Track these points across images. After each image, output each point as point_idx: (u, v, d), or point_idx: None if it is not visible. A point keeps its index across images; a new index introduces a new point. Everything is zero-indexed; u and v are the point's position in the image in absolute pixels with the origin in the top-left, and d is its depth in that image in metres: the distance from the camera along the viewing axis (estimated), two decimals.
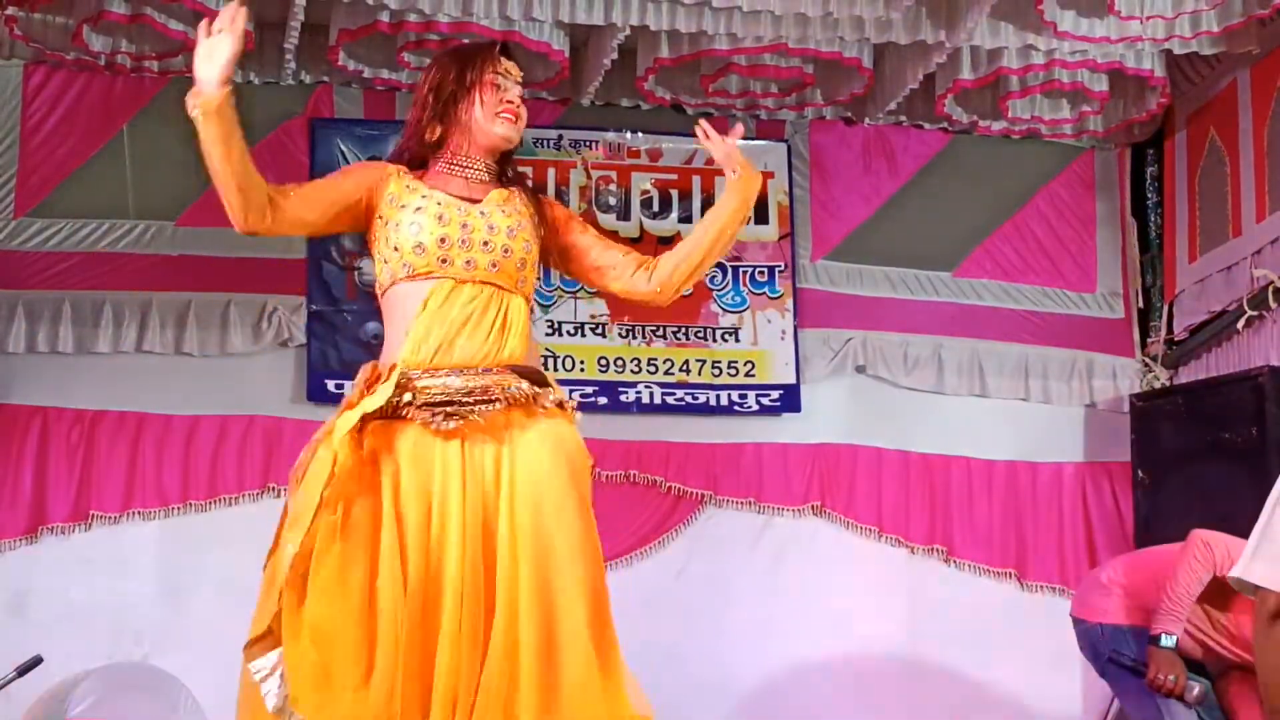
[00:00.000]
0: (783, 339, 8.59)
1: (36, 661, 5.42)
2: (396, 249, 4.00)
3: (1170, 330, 8.86)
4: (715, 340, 8.55)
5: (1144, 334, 8.99)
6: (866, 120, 8.90)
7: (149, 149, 8.21)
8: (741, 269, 8.62)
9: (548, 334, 8.32)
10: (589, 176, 8.62)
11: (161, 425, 8.00)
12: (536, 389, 3.97)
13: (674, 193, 8.67)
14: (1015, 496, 8.62)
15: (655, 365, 8.40)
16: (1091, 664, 6.33)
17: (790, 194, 8.77)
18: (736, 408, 8.47)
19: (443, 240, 3.95)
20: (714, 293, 8.58)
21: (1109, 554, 8.17)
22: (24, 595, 7.72)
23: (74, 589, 7.75)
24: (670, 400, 8.40)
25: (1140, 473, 8.27)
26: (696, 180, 8.70)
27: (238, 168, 3.84)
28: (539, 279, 4.35)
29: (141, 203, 8.18)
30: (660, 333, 8.48)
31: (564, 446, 3.96)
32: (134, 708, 7.15)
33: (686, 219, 8.61)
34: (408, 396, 3.87)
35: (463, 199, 4.08)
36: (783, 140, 8.85)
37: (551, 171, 8.57)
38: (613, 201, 8.61)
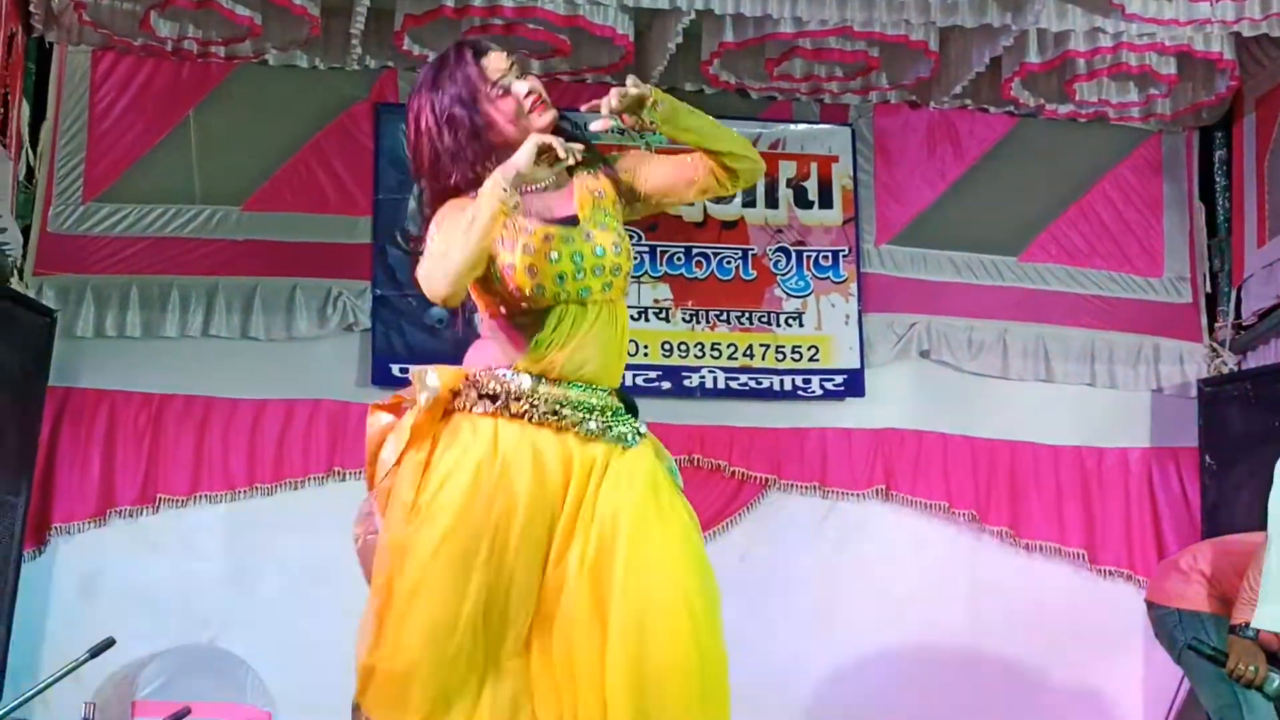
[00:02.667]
0: (847, 323, 8.56)
1: (109, 643, 5.46)
2: (501, 280, 3.82)
3: (1238, 315, 8.78)
4: (779, 325, 8.53)
5: (1211, 319, 8.91)
6: (932, 104, 8.85)
7: (215, 134, 8.27)
8: (805, 254, 8.60)
9: None
10: None
11: (228, 409, 8.05)
12: (636, 426, 3.83)
13: None
14: (1082, 482, 8.56)
15: (719, 350, 8.39)
16: (1166, 650, 6.28)
17: (855, 178, 8.74)
18: (800, 392, 8.46)
19: (558, 276, 3.75)
20: (778, 277, 8.56)
21: (1177, 540, 8.13)
22: (93, 578, 7.79)
23: (142, 572, 7.82)
24: (734, 385, 8.40)
25: (1208, 458, 8.22)
26: None
27: (483, 255, 3.76)
28: None
29: (208, 188, 8.24)
30: (724, 317, 8.47)
31: (654, 480, 3.78)
32: (201, 690, 7.22)
33: (750, 203, 8.59)
34: (521, 404, 3.78)
35: (559, 221, 3.85)
36: (847, 124, 8.83)
37: (615, 156, 8.55)
38: None
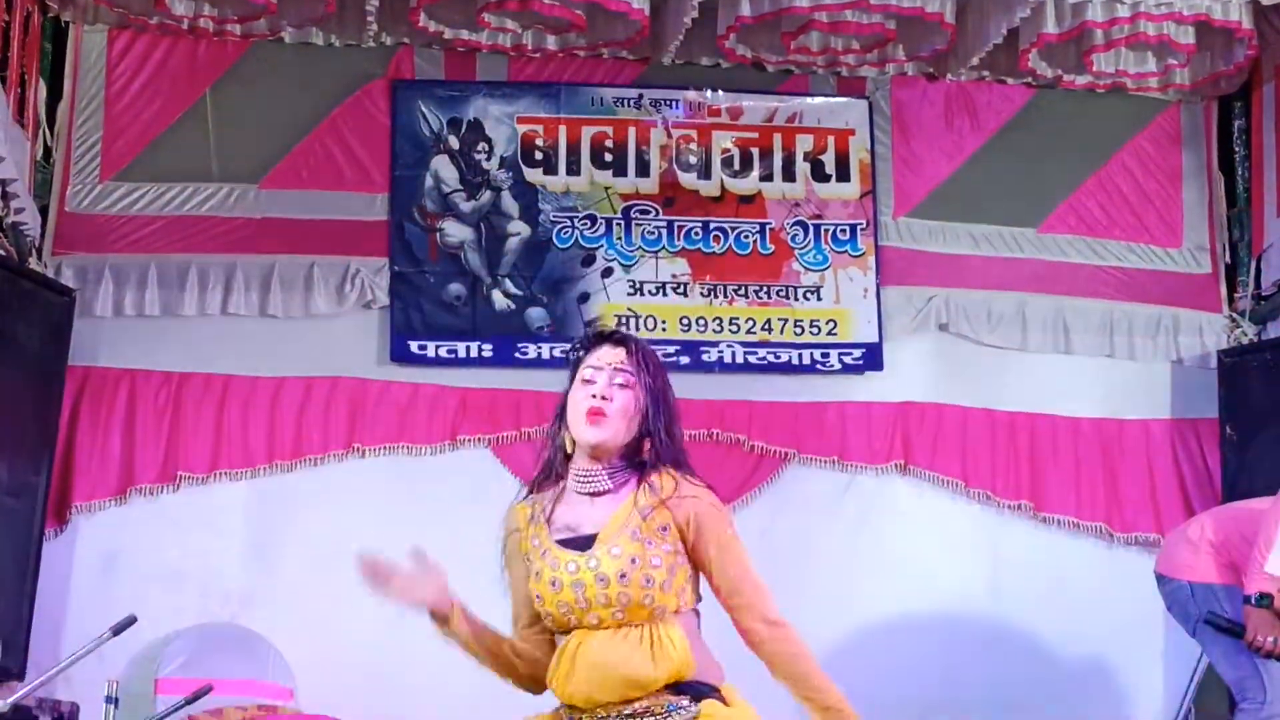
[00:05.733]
0: (865, 297, 8.55)
1: (131, 621, 5.47)
2: (530, 599, 3.81)
3: (1258, 285, 8.76)
4: (797, 299, 8.51)
5: (1231, 289, 8.89)
6: (949, 76, 8.83)
7: (232, 113, 8.29)
8: (823, 227, 8.59)
9: (629, 294, 8.34)
10: (669, 136, 8.61)
11: (247, 387, 8.07)
12: (685, 704, 3.68)
13: (755, 151, 8.64)
14: (1102, 454, 8.53)
15: (737, 324, 8.38)
16: (1180, 624, 6.27)
17: (872, 151, 8.72)
18: (819, 366, 8.45)
19: (561, 605, 3.68)
20: (796, 251, 8.55)
21: (1199, 512, 8.10)
22: (114, 556, 7.82)
23: (163, 550, 7.84)
24: (752, 359, 8.39)
25: (1228, 429, 8.21)
26: (777, 138, 8.66)
27: (494, 663, 3.84)
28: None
29: (225, 166, 8.25)
30: (742, 292, 8.46)
31: None
32: (223, 667, 7.24)
33: (768, 177, 8.59)
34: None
35: (575, 542, 3.75)
36: (864, 97, 8.81)
37: (632, 131, 8.57)
38: (693, 160, 8.59)
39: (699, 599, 3.76)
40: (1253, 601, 5.64)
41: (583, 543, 3.71)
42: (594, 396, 3.74)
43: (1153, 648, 8.19)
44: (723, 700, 3.69)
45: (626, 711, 3.62)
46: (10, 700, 5.46)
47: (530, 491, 3.90)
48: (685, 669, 3.63)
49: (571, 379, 3.82)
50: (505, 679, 3.85)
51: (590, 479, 3.78)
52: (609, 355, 3.81)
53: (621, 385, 3.76)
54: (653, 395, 3.79)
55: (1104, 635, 8.19)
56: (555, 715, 3.76)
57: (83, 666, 5.95)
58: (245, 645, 7.60)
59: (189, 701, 5.64)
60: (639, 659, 3.62)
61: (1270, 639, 5.56)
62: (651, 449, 3.78)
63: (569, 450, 3.81)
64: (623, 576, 3.64)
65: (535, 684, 3.83)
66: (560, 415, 3.83)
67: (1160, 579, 6.28)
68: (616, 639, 3.63)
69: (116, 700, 5.63)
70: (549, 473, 3.86)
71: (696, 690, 3.66)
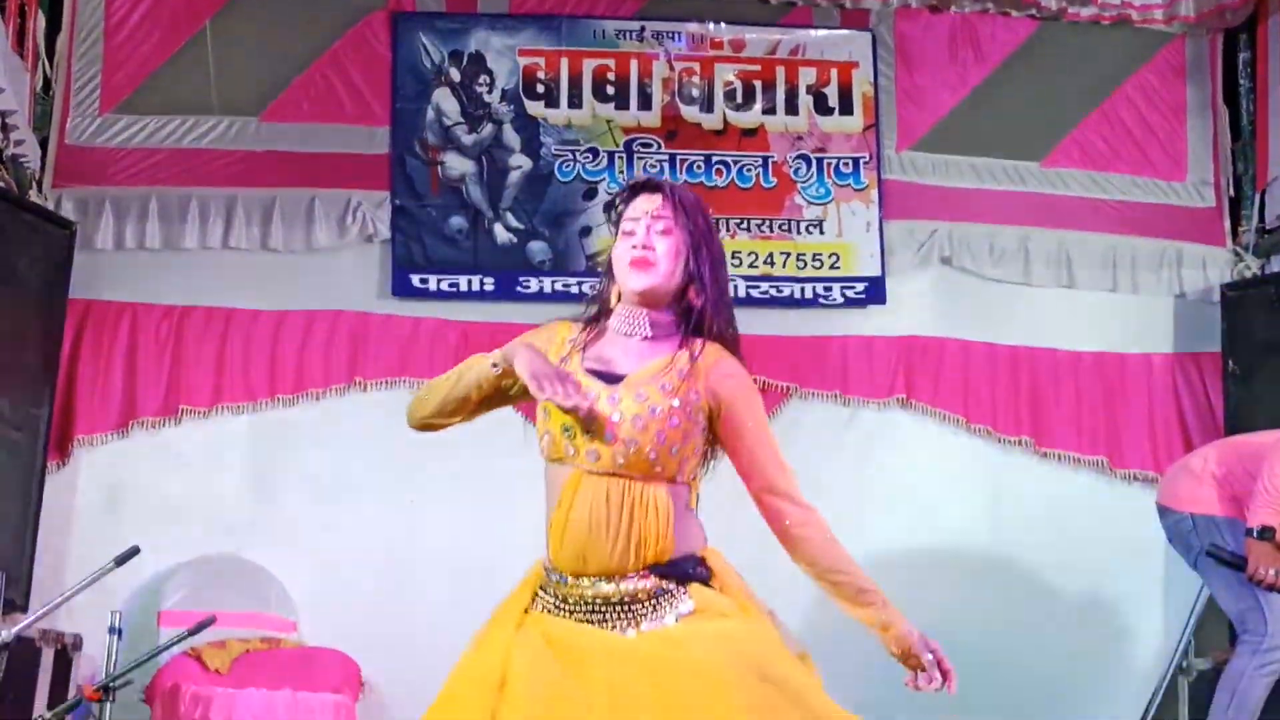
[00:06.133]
0: (867, 231, 8.53)
1: (134, 552, 5.49)
2: (539, 428, 3.71)
3: (1261, 219, 8.73)
4: (800, 233, 8.50)
5: (1235, 223, 8.86)
6: (953, 8, 8.78)
7: (232, 44, 8.25)
8: (826, 160, 8.56)
9: None
10: (672, 69, 8.57)
11: (248, 320, 8.07)
12: (671, 589, 3.62)
13: (757, 84, 8.60)
14: (1104, 388, 8.53)
15: (739, 258, 8.35)
16: (1181, 556, 6.28)
17: (875, 84, 8.68)
18: (821, 300, 8.44)
19: (566, 429, 3.61)
20: (798, 185, 8.53)
21: (1200, 446, 8.10)
22: (117, 489, 7.84)
23: (165, 483, 7.86)
24: (754, 293, 8.37)
25: (1231, 363, 8.20)
26: (780, 71, 8.62)
27: (453, 411, 3.78)
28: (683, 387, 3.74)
29: (225, 98, 8.21)
30: (744, 225, 8.44)
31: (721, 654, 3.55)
32: (226, 600, 7.26)
33: (770, 110, 8.56)
34: (547, 599, 3.66)
35: (605, 375, 3.69)
36: (867, 29, 8.76)
37: (634, 63, 8.53)
38: (696, 93, 8.55)
39: (696, 477, 3.74)
40: (1255, 534, 5.65)
41: (611, 379, 3.67)
42: (635, 247, 3.72)
43: (1153, 580, 8.21)
44: (707, 569, 3.66)
45: (615, 600, 3.58)
46: (14, 631, 5.48)
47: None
48: (663, 550, 3.60)
49: (615, 234, 3.80)
50: (437, 417, 3.80)
51: (633, 320, 3.75)
52: (646, 204, 3.79)
53: (662, 232, 3.74)
54: (693, 239, 3.76)
55: (1104, 568, 8.21)
56: (534, 578, 3.72)
57: (86, 598, 5.97)
58: (248, 578, 7.63)
59: (192, 633, 5.65)
60: (624, 524, 3.59)
61: (1272, 571, 5.57)
62: (698, 295, 3.76)
63: (614, 305, 3.78)
64: (638, 419, 3.60)
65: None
66: (607, 270, 3.81)
67: (1162, 511, 6.29)
68: (611, 495, 3.58)
69: (120, 631, 5.65)
70: (595, 322, 3.82)
71: (680, 571, 3.62)
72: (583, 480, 3.59)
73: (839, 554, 3.84)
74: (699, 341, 3.74)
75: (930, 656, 3.70)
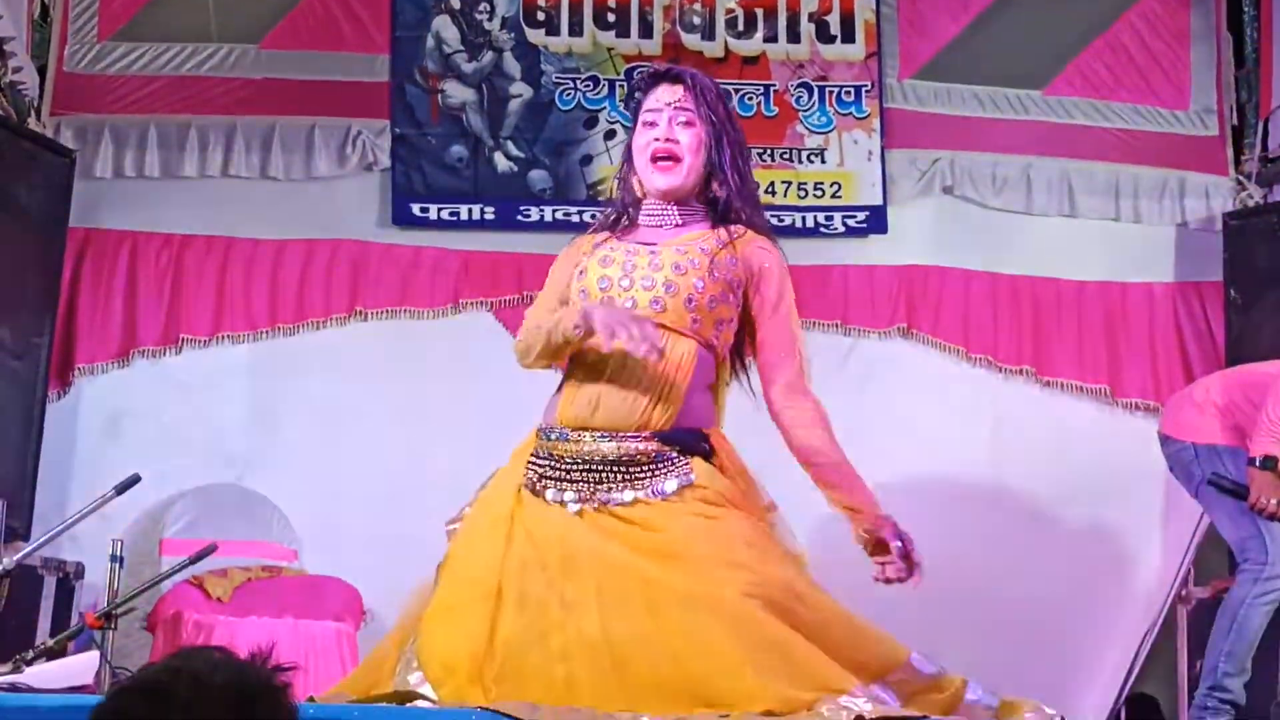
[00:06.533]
0: (869, 160, 8.50)
1: (134, 480, 5.50)
2: (572, 291, 3.73)
3: (1265, 148, 8.70)
4: (801, 161, 8.47)
5: (1238, 151, 8.82)
6: None
7: None
8: (827, 89, 8.52)
9: None
10: None
11: (249, 249, 8.06)
12: (673, 456, 3.63)
13: (759, 11, 8.54)
14: (1106, 317, 8.51)
15: None
16: (1182, 484, 6.29)
17: (877, 11, 8.62)
18: (822, 229, 8.42)
19: (602, 280, 3.65)
20: (800, 113, 8.49)
21: (1201, 375, 8.08)
22: (117, 418, 7.85)
23: (166, 412, 7.88)
24: None
25: (1232, 292, 8.19)
26: None
27: (552, 361, 3.78)
28: (718, 298, 3.78)
29: (224, 25, 8.17)
30: None
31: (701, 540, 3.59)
32: (227, 528, 7.28)
33: (772, 38, 8.51)
34: (541, 465, 3.66)
35: (642, 243, 3.74)
36: None
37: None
38: (697, 21, 8.50)
39: (728, 357, 3.88)
40: (1258, 464, 5.66)
41: (646, 244, 3.74)
42: (657, 140, 3.72)
43: (1153, 509, 8.21)
44: (711, 447, 3.69)
45: (612, 457, 3.59)
46: (15, 559, 5.50)
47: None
48: (671, 410, 3.63)
49: (634, 123, 3.81)
50: (534, 361, 3.80)
51: (662, 214, 3.77)
52: (667, 94, 3.78)
53: (684, 124, 3.75)
54: (714, 129, 3.77)
55: (1105, 497, 8.21)
56: (526, 447, 3.75)
57: (87, 527, 5.99)
58: (249, 506, 7.65)
59: (193, 561, 5.68)
60: (635, 386, 3.61)
61: (1274, 501, 5.59)
62: (720, 186, 3.78)
63: (640, 195, 3.80)
64: (678, 266, 3.65)
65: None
66: (628, 158, 3.82)
67: (1164, 439, 6.30)
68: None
69: (121, 559, 5.65)
70: (620, 217, 3.85)
71: (683, 440, 3.64)
72: None
73: (818, 439, 3.90)
74: (735, 226, 3.78)
75: (900, 545, 3.77)
